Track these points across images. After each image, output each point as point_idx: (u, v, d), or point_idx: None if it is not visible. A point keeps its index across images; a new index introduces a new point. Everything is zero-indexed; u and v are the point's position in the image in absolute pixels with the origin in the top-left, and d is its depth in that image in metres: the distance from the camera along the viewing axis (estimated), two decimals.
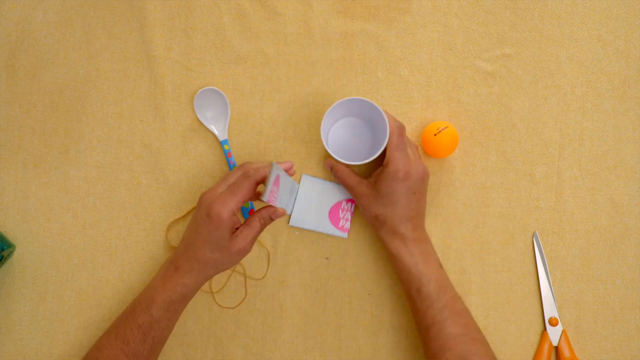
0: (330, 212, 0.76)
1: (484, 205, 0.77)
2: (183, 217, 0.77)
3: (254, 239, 0.67)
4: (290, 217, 0.76)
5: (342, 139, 0.76)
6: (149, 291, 0.68)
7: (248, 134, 0.77)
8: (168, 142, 0.77)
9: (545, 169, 0.78)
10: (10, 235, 0.76)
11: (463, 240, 0.77)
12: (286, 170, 0.68)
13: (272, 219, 0.67)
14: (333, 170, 0.74)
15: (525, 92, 0.78)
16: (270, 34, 0.78)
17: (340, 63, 0.78)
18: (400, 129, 0.70)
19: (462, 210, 0.77)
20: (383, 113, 0.69)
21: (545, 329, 0.76)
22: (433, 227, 0.77)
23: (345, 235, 0.76)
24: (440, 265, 0.71)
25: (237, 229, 0.67)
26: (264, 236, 0.77)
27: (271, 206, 0.66)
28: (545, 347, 0.75)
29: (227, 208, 0.63)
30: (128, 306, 0.69)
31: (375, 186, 0.70)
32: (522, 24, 0.79)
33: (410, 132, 0.78)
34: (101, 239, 0.76)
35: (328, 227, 0.76)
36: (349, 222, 0.76)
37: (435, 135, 0.74)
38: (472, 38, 0.79)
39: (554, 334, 0.75)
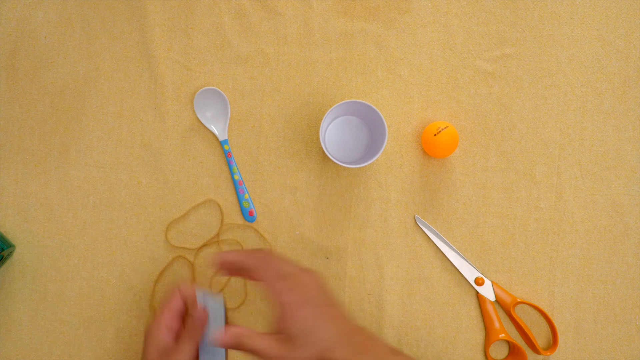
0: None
1: (484, 205, 0.77)
2: (183, 216, 0.77)
3: (189, 356, 0.61)
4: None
5: (338, 138, 0.76)
6: None
7: (248, 134, 0.77)
8: (168, 142, 0.77)
9: (545, 169, 0.78)
10: (10, 235, 0.76)
11: (463, 240, 0.77)
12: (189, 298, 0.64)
13: (199, 320, 0.62)
14: (236, 346, 0.59)
15: (525, 92, 0.78)
16: (270, 34, 0.78)
17: (340, 63, 0.78)
18: (263, 258, 0.61)
19: (462, 210, 0.77)
20: (381, 114, 0.69)
21: (477, 292, 0.77)
22: (433, 227, 0.77)
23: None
24: (394, 352, 0.61)
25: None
26: (267, 230, 0.77)
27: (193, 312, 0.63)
28: (488, 307, 0.76)
29: (157, 329, 0.63)
30: None
31: (286, 336, 0.57)
32: (522, 24, 0.79)
33: (410, 132, 0.78)
34: (101, 239, 0.76)
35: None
36: None
37: (435, 135, 0.74)
38: (472, 38, 0.79)
39: (486, 291, 0.76)
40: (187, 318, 0.63)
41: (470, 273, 0.77)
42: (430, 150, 0.75)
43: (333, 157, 0.71)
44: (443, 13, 0.78)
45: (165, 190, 0.77)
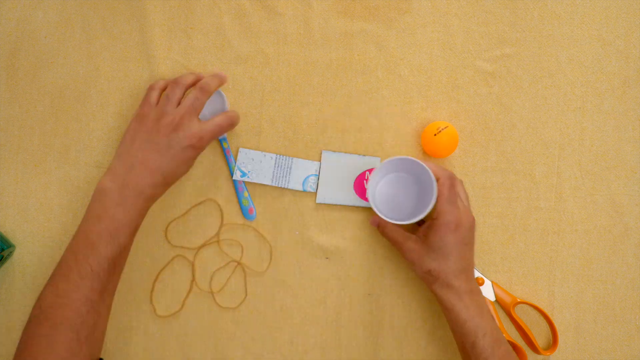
0: (355, 185, 0.76)
1: (484, 205, 0.77)
2: (183, 216, 0.77)
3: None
4: (316, 195, 0.76)
5: (387, 195, 0.75)
6: (105, 219, 0.65)
7: (248, 134, 0.77)
8: None
9: (545, 169, 0.78)
10: (10, 235, 0.76)
11: None
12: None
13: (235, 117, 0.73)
14: (380, 228, 0.74)
15: (525, 92, 0.78)
16: (270, 34, 0.78)
17: (340, 63, 0.78)
18: (452, 179, 0.70)
19: None
20: (430, 172, 0.69)
21: None
22: None
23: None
24: (493, 318, 0.70)
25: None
26: (267, 230, 0.77)
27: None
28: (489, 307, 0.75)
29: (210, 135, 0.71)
30: (77, 242, 0.66)
31: (426, 241, 0.69)
32: (522, 24, 0.79)
33: (410, 132, 0.78)
34: None
35: (355, 199, 0.76)
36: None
37: (435, 135, 0.74)
38: (472, 38, 0.79)
39: (487, 291, 0.76)
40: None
41: None
42: (430, 150, 0.75)
43: (382, 213, 0.71)
44: (443, 13, 0.78)
45: None
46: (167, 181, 0.69)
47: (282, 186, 0.76)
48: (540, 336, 0.77)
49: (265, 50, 0.78)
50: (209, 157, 0.77)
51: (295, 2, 0.78)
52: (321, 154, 0.77)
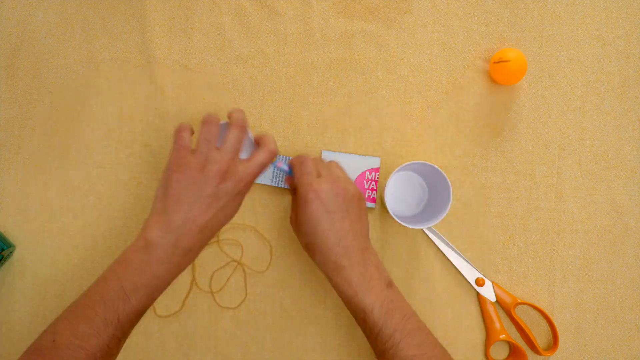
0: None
1: (484, 205, 0.77)
2: None
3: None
4: None
5: (395, 193, 0.76)
6: (144, 271, 0.62)
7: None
8: (168, 142, 0.77)
9: (545, 169, 0.78)
10: (10, 235, 0.76)
11: (463, 240, 0.77)
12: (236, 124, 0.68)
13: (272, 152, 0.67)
14: (290, 187, 0.72)
15: (525, 92, 0.78)
16: (270, 34, 0.78)
17: (340, 63, 0.78)
18: (303, 157, 0.68)
19: (462, 210, 0.77)
20: (446, 178, 0.69)
21: (478, 293, 0.77)
22: (433, 227, 0.77)
23: (373, 205, 0.76)
24: (389, 285, 0.65)
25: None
26: (267, 230, 0.77)
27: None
28: (489, 307, 0.76)
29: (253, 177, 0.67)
30: (108, 285, 0.62)
31: (295, 215, 0.67)
32: (522, 24, 0.79)
33: (410, 132, 0.78)
34: (101, 239, 0.76)
35: None
36: (375, 192, 0.76)
37: (505, 62, 0.73)
38: (472, 38, 0.79)
39: (487, 292, 0.76)
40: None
41: (470, 273, 0.77)
42: (499, 76, 0.76)
43: (394, 214, 0.71)
44: (443, 13, 0.79)
45: None
46: (214, 234, 0.66)
47: (281, 186, 0.76)
48: (540, 336, 0.77)
49: (265, 50, 0.78)
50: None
51: (295, 2, 0.78)
52: (321, 154, 0.77)
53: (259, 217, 0.77)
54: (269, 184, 0.76)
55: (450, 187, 0.69)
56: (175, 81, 0.78)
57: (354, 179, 0.76)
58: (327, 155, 0.77)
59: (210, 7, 0.78)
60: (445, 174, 0.70)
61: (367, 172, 0.77)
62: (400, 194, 0.76)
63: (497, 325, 0.75)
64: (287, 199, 0.77)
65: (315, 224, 0.64)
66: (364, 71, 0.78)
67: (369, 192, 0.76)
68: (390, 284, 0.65)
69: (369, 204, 0.76)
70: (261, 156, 0.66)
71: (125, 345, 0.75)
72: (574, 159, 0.78)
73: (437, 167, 0.70)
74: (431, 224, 0.70)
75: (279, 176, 0.76)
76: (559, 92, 0.78)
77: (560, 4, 0.79)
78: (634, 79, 0.78)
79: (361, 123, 0.78)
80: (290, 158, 0.73)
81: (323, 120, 0.78)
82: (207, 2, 0.78)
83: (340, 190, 0.64)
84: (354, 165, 0.77)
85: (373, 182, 0.76)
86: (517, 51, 0.74)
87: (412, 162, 0.70)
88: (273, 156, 0.67)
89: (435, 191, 0.74)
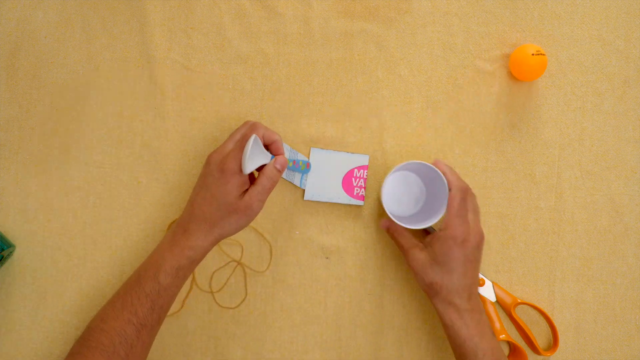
0: (343, 182, 0.76)
1: (484, 205, 0.77)
2: None
3: (262, 198, 0.66)
4: (304, 192, 0.76)
5: (393, 193, 0.76)
6: (155, 257, 0.66)
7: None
8: (168, 142, 0.77)
9: (545, 169, 0.78)
10: (10, 235, 0.76)
11: None
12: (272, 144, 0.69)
13: (279, 170, 0.67)
14: (389, 231, 0.73)
15: (525, 92, 0.78)
16: (270, 34, 0.78)
17: (340, 63, 0.78)
18: (464, 192, 0.69)
19: None
20: (445, 180, 0.69)
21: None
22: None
23: (361, 202, 0.76)
24: (494, 336, 0.68)
25: (246, 190, 0.67)
26: (267, 230, 0.77)
27: (274, 159, 0.68)
28: (489, 307, 0.76)
29: (236, 161, 0.65)
30: (132, 275, 0.68)
31: (431, 252, 0.68)
32: (522, 24, 0.79)
33: (410, 132, 0.78)
34: (101, 239, 0.76)
35: (343, 197, 0.76)
36: (363, 190, 0.76)
37: (533, 55, 0.74)
38: (472, 38, 0.79)
39: (487, 292, 0.76)
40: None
41: None
42: (521, 71, 0.76)
43: (394, 215, 0.71)
44: (443, 13, 0.79)
45: (165, 190, 0.77)
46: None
47: (289, 180, 0.76)
48: (540, 336, 0.77)
49: (265, 50, 0.78)
50: None
51: (295, 2, 0.78)
52: (310, 151, 0.77)
53: (259, 217, 0.77)
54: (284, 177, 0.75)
55: (447, 187, 0.69)
56: (175, 81, 0.78)
57: (342, 176, 0.76)
58: (316, 153, 0.77)
59: (210, 7, 0.78)
60: (442, 174, 0.69)
61: (356, 170, 0.77)
62: (397, 194, 0.76)
63: (497, 325, 0.75)
64: (287, 198, 0.77)
65: (453, 267, 0.67)
66: (364, 71, 0.78)
67: (357, 190, 0.76)
68: (494, 335, 0.69)
69: (358, 202, 0.76)
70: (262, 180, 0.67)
71: None
72: (574, 159, 0.78)
73: (434, 167, 0.70)
74: (429, 224, 0.69)
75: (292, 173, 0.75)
76: (559, 92, 0.78)
77: (560, 4, 0.79)
78: (634, 79, 0.78)
79: (361, 123, 0.78)
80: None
81: (323, 120, 0.78)
82: (207, 2, 0.78)
83: (481, 242, 0.68)
84: (342, 162, 0.77)
85: (362, 180, 0.76)
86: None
87: (409, 161, 0.70)
88: (275, 181, 0.68)
89: (432, 191, 0.74)
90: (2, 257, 0.72)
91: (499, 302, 0.76)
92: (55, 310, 0.75)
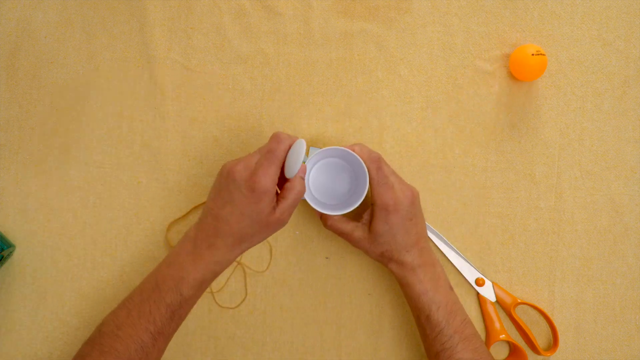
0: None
1: (484, 205, 0.77)
2: (183, 217, 0.77)
3: (293, 209, 0.66)
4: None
5: (321, 183, 0.73)
6: (176, 268, 0.65)
7: (248, 134, 0.77)
8: (168, 142, 0.77)
9: (545, 169, 0.78)
10: (10, 235, 0.76)
11: (463, 240, 0.77)
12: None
13: (302, 178, 0.66)
14: (322, 220, 0.72)
15: (524, 92, 0.78)
16: (270, 34, 0.78)
17: (340, 63, 0.78)
18: (377, 161, 0.68)
19: (462, 210, 0.77)
20: (361, 160, 0.67)
21: (478, 293, 0.77)
22: (433, 227, 0.77)
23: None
24: (451, 288, 0.70)
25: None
26: None
27: (301, 170, 0.66)
28: (489, 307, 0.76)
29: (271, 179, 0.62)
30: (147, 283, 0.66)
31: (370, 227, 0.69)
32: (522, 24, 0.79)
33: (410, 132, 0.78)
34: (101, 239, 0.76)
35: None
36: None
37: (533, 55, 0.74)
38: (472, 38, 0.79)
39: (487, 292, 0.76)
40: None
41: (470, 273, 0.77)
42: (521, 72, 0.76)
43: (319, 206, 0.70)
44: (443, 13, 0.79)
45: (165, 190, 0.77)
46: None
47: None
48: (540, 336, 0.77)
49: (265, 50, 0.78)
50: (210, 157, 0.77)
51: (295, 2, 0.78)
52: (308, 150, 0.74)
53: None
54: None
55: (367, 172, 0.67)
56: (175, 81, 0.78)
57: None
58: (315, 152, 0.76)
59: (210, 7, 0.78)
60: (359, 158, 0.68)
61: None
62: (326, 182, 0.73)
63: (497, 325, 0.75)
64: None
65: (394, 233, 0.68)
66: (364, 71, 0.78)
67: None
68: (451, 287, 0.71)
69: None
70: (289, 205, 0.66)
71: None
72: (574, 159, 0.78)
73: (349, 151, 0.68)
74: (354, 206, 0.68)
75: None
76: (559, 92, 0.78)
77: (560, 4, 0.79)
78: (634, 79, 0.78)
79: (361, 123, 0.78)
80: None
81: (323, 120, 0.78)
82: (207, 2, 0.78)
83: (413, 198, 0.69)
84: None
85: None
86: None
87: (328, 148, 0.69)
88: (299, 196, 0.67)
89: (357, 173, 0.72)
90: (2, 257, 0.72)
91: (499, 302, 0.76)
92: (55, 310, 0.75)
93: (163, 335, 0.64)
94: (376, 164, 0.68)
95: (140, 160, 0.77)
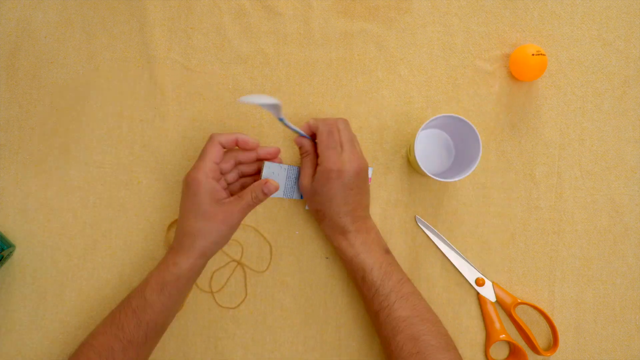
0: None
1: (484, 205, 0.77)
2: None
3: (243, 211, 0.67)
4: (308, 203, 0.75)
5: (423, 152, 0.76)
6: (146, 276, 0.68)
7: (248, 134, 0.77)
8: (168, 142, 0.77)
9: (545, 169, 0.78)
10: (10, 235, 0.76)
11: (463, 240, 0.77)
12: (273, 156, 0.71)
13: (265, 194, 0.68)
14: (301, 150, 0.72)
15: (524, 92, 0.78)
16: (270, 34, 0.78)
17: (340, 63, 0.78)
18: (330, 125, 0.70)
19: (462, 210, 0.77)
20: (475, 130, 0.69)
21: (478, 293, 0.77)
22: (433, 227, 0.77)
23: None
24: (387, 251, 0.71)
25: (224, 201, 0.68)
26: (267, 230, 0.77)
27: (264, 180, 0.68)
28: (489, 307, 0.76)
29: (200, 171, 0.66)
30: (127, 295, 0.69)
31: (315, 183, 0.70)
32: (522, 24, 0.79)
33: (410, 132, 0.78)
34: (101, 239, 0.76)
35: None
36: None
37: (533, 55, 0.74)
38: (472, 38, 0.79)
39: (487, 292, 0.76)
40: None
41: (470, 273, 0.77)
42: (521, 71, 0.76)
43: (425, 169, 0.71)
44: (443, 13, 0.79)
45: (165, 190, 0.77)
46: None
47: (290, 197, 0.75)
48: (540, 337, 0.77)
49: (265, 50, 0.78)
50: None
51: (295, 2, 0.78)
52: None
53: (259, 217, 0.77)
54: (281, 196, 0.75)
55: (480, 139, 0.69)
56: (175, 81, 0.78)
57: None
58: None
59: (210, 7, 0.78)
60: (473, 126, 0.69)
61: None
62: (427, 151, 0.76)
63: (497, 325, 0.75)
64: (287, 199, 0.77)
65: (332, 196, 0.69)
66: (364, 71, 0.78)
67: None
68: (388, 251, 0.72)
69: None
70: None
71: None
72: (574, 159, 0.78)
73: (464, 119, 0.69)
74: (462, 177, 0.69)
75: (289, 187, 0.74)
76: (559, 92, 0.78)
77: (560, 4, 0.79)
78: (634, 79, 0.78)
79: (361, 123, 0.78)
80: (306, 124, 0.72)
81: None
82: (207, 2, 0.78)
83: (359, 169, 0.69)
84: None
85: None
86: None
87: (438, 115, 0.70)
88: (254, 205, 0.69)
89: (463, 146, 0.74)
90: (2, 257, 0.72)
91: (499, 302, 0.76)
92: (55, 310, 0.75)
93: (133, 345, 0.65)
94: (328, 127, 0.69)
95: (140, 160, 0.77)
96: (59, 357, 0.75)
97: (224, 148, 0.69)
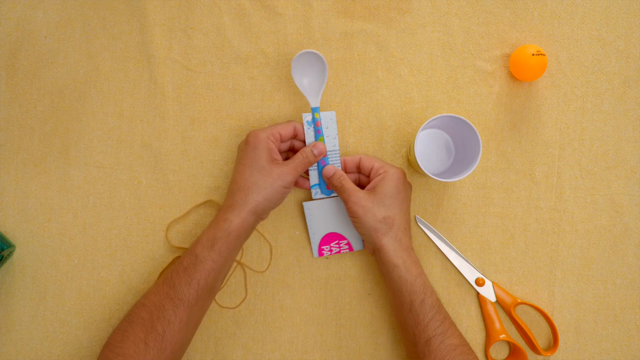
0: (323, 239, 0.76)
1: (484, 205, 0.77)
2: (183, 216, 0.77)
3: (294, 171, 0.69)
4: (312, 192, 0.75)
5: (423, 151, 0.76)
6: (198, 236, 0.69)
7: None
8: (168, 142, 0.77)
9: (545, 169, 0.78)
10: (10, 235, 0.76)
11: (463, 240, 0.77)
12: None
13: (314, 155, 0.71)
14: (333, 177, 0.72)
15: (524, 92, 0.78)
16: (270, 34, 0.78)
17: (340, 63, 0.78)
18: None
19: (462, 210, 0.77)
20: (475, 130, 0.69)
21: (478, 293, 0.77)
22: (433, 227, 0.77)
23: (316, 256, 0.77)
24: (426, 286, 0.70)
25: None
26: (267, 230, 0.77)
27: (314, 143, 0.72)
28: (489, 307, 0.76)
29: (263, 131, 0.70)
30: None
31: (376, 191, 0.69)
32: (522, 24, 0.79)
33: (410, 132, 0.78)
34: (101, 239, 0.76)
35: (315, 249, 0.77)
36: (330, 253, 0.76)
37: (533, 55, 0.74)
38: (472, 38, 0.79)
39: (487, 292, 0.76)
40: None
41: (470, 273, 0.77)
42: (521, 72, 0.76)
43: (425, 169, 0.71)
44: (443, 13, 0.79)
45: (165, 190, 0.77)
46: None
47: (328, 195, 0.76)
48: (540, 336, 0.77)
49: (265, 50, 0.78)
50: (210, 157, 0.77)
51: (295, 2, 0.78)
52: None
53: None
54: (320, 195, 0.75)
55: (480, 139, 0.69)
56: (175, 81, 0.78)
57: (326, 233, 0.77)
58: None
59: (210, 7, 0.78)
60: (473, 126, 0.69)
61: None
62: (427, 151, 0.76)
63: (497, 325, 0.75)
64: (288, 198, 0.77)
65: (402, 201, 0.70)
66: (364, 71, 0.78)
67: (326, 252, 0.77)
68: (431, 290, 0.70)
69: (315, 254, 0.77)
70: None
71: None
72: (574, 159, 0.78)
73: (464, 119, 0.69)
74: (461, 177, 0.69)
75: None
76: (559, 92, 0.78)
77: (560, 4, 0.79)
78: (634, 79, 0.78)
79: (361, 123, 0.78)
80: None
81: None
82: (207, 2, 0.78)
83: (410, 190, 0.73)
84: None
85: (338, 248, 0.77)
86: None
87: (438, 115, 0.69)
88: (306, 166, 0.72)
89: (463, 146, 0.74)
90: (2, 257, 0.72)
91: (499, 302, 0.76)
92: (55, 310, 0.76)
93: (184, 304, 0.65)
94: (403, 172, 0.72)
95: (140, 160, 0.77)
96: (59, 357, 0.75)
97: (287, 138, 0.72)
